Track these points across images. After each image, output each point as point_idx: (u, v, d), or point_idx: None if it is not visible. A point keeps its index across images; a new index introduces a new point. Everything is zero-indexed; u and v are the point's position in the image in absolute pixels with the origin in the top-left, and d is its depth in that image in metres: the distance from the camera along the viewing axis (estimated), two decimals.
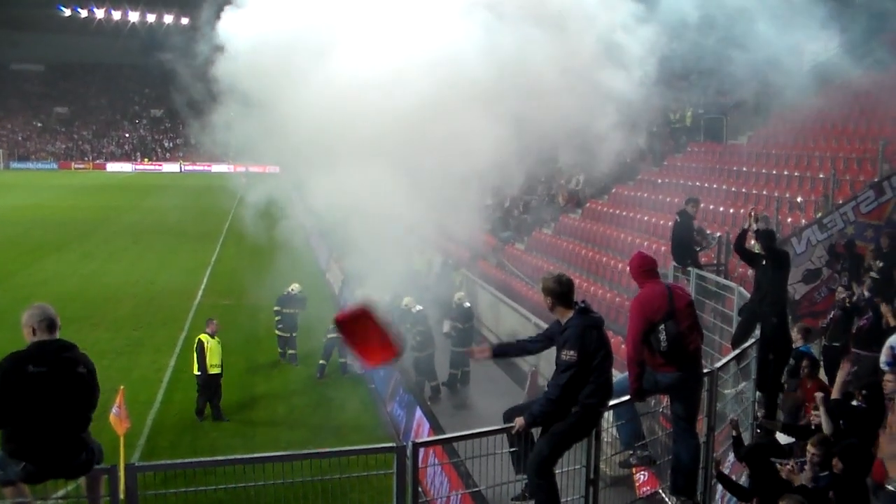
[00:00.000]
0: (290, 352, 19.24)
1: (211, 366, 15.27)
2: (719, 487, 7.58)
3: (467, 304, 18.13)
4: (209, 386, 15.33)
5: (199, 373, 15.35)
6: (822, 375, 9.98)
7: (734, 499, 7.53)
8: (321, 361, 18.02)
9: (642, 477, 8.89)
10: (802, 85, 17.06)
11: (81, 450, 5.30)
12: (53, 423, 5.17)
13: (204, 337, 15.52)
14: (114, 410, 11.05)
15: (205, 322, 16.21)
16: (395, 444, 5.78)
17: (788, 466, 6.60)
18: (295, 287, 19.67)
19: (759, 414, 8.90)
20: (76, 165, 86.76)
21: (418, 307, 17.58)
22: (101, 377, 5.56)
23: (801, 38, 16.26)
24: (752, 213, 10.36)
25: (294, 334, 19.26)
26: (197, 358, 15.39)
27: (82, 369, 5.36)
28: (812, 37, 16.52)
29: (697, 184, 20.32)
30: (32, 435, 5.13)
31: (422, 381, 16.68)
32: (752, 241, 10.28)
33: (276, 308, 19.42)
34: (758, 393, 8.92)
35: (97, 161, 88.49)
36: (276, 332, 19.39)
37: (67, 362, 5.30)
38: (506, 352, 7.08)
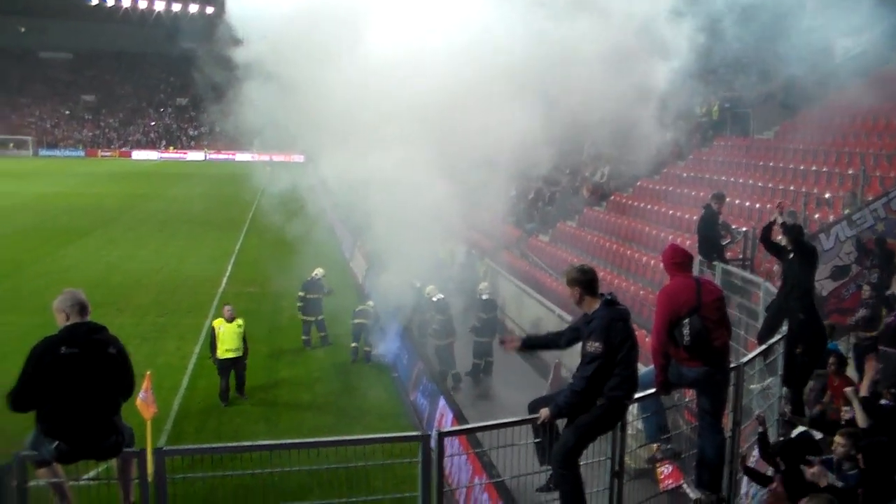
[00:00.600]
0: (321, 334, 19.42)
1: (224, 350, 15.44)
2: (744, 482, 7.53)
3: (485, 297, 18.06)
4: (224, 369, 15.51)
5: (212, 357, 15.67)
6: (851, 373, 9.85)
7: (758, 494, 7.47)
8: (353, 344, 18.25)
9: (666, 470, 8.85)
10: (840, 76, 16.73)
11: (112, 432, 5.40)
12: (86, 402, 5.27)
13: (217, 322, 15.76)
14: (141, 395, 11.19)
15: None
16: (420, 433, 5.79)
17: (813, 470, 6.50)
18: (319, 272, 19.80)
19: (785, 409, 8.81)
20: (103, 153, 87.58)
21: (439, 295, 17.62)
22: None
23: (842, 27, 15.88)
24: (779, 206, 10.19)
25: (321, 317, 19.43)
26: (210, 343, 15.70)
27: (112, 350, 5.46)
28: (853, 27, 16.11)
29: (724, 178, 20.11)
30: (66, 414, 5.24)
31: (445, 371, 16.70)
32: (780, 236, 10.15)
33: (300, 293, 19.56)
34: (784, 388, 8.83)
35: (123, 149, 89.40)
36: (301, 316, 19.52)
37: (98, 343, 5.40)
38: (534, 344, 7.14)
